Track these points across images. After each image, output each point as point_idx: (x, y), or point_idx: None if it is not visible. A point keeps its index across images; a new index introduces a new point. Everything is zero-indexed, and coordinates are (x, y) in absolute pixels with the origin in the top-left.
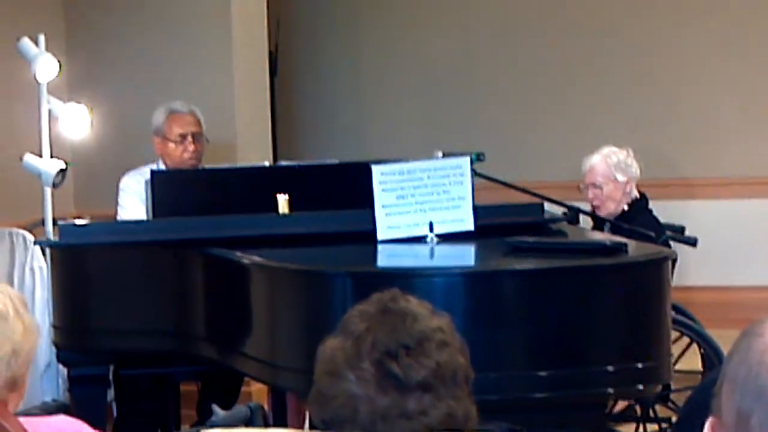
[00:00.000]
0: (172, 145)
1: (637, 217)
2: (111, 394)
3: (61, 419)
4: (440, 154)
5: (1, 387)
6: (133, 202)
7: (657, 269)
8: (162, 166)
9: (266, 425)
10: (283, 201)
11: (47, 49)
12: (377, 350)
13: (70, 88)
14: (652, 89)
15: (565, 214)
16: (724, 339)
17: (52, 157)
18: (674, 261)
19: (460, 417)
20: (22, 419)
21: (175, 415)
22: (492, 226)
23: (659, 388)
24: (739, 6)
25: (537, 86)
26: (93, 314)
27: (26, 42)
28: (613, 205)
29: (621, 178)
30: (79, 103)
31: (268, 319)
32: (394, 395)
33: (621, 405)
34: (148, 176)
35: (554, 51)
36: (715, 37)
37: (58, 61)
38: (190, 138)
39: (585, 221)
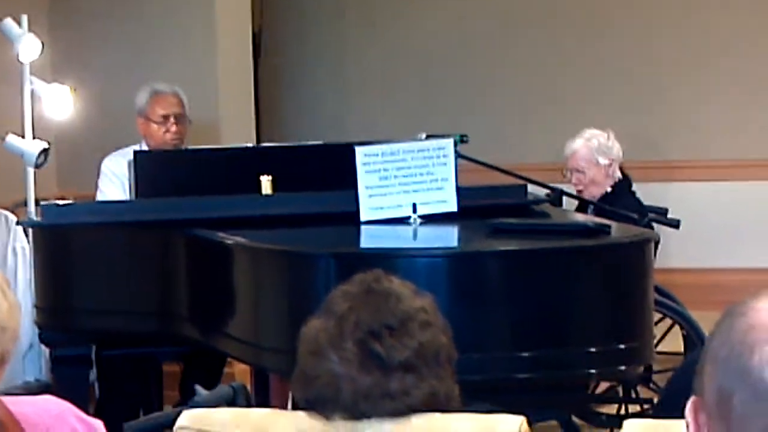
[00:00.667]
0: (154, 125)
1: (620, 199)
2: (93, 374)
3: (47, 399)
4: (424, 135)
5: None
6: (112, 187)
7: (639, 251)
8: (145, 147)
9: (249, 405)
10: (266, 182)
11: (30, 29)
12: (360, 330)
13: (53, 68)
14: (636, 72)
15: (548, 195)
16: (706, 320)
17: (34, 137)
18: (657, 243)
19: (442, 396)
20: (6, 398)
21: (158, 395)
22: (475, 207)
23: (641, 369)
24: None
25: (521, 68)
26: (75, 294)
27: (9, 22)
28: (596, 188)
29: (603, 161)
30: (63, 83)
31: (252, 299)
32: (377, 375)
33: (603, 386)
34: (131, 157)
35: (538, 34)
36: (698, 20)
37: (41, 42)
38: (172, 119)
39: (569, 203)
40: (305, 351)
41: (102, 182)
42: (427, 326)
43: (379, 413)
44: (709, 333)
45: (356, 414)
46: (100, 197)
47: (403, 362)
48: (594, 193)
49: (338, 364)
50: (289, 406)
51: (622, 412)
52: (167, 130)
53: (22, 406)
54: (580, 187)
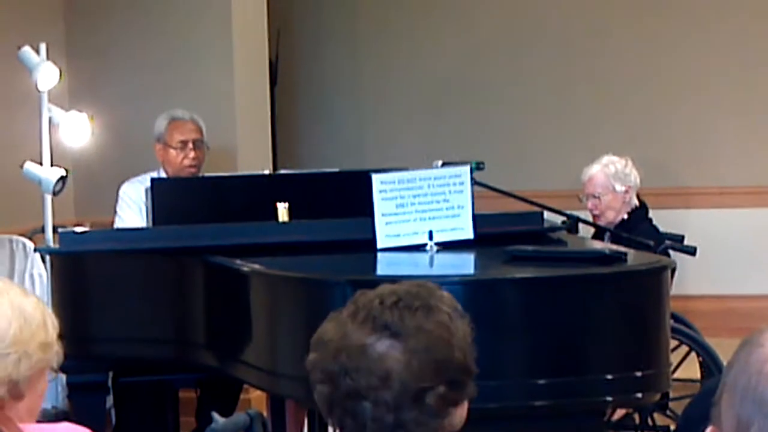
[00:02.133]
0: (173, 151)
1: (636, 226)
2: (110, 401)
3: (67, 426)
4: (440, 163)
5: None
6: (130, 213)
7: (656, 278)
8: (162, 174)
9: None
10: (283, 209)
11: (48, 57)
12: (378, 299)
13: (71, 96)
14: (652, 99)
15: (564, 222)
16: (722, 348)
17: (52, 164)
18: (673, 270)
19: (414, 377)
20: (26, 426)
21: (174, 422)
22: (491, 234)
23: (658, 396)
24: (738, 17)
25: (537, 95)
26: (92, 321)
27: (27, 50)
28: (613, 214)
29: (619, 188)
30: (80, 111)
31: (268, 326)
32: (362, 329)
33: (620, 413)
34: (148, 184)
35: (554, 61)
36: (714, 47)
37: (59, 70)
38: (190, 145)
39: (585, 230)
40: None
41: (120, 208)
42: (443, 327)
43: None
44: (726, 363)
45: (324, 368)
46: (118, 222)
47: (389, 325)
48: (609, 219)
49: (338, 315)
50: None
51: None
52: (185, 156)
53: None
54: (596, 212)
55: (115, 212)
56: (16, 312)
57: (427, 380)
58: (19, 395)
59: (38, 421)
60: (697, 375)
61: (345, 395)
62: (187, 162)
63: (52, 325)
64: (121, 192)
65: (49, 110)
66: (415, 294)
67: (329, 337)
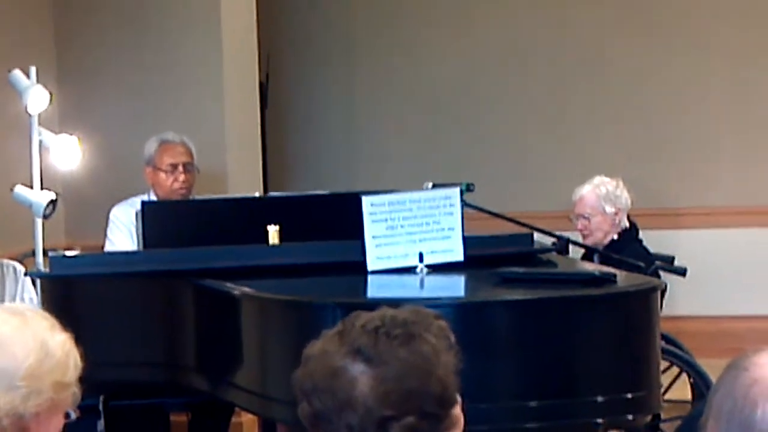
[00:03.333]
0: (162, 174)
1: (626, 247)
2: (101, 425)
3: None
4: (430, 184)
5: (3, 414)
6: (120, 236)
7: (646, 299)
8: (153, 197)
9: None
10: (273, 232)
11: (38, 81)
12: (360, 324)
13: (60, 119)
14: (642, 120)
15: (554, 244)
16: (713, 368)
17: (42, 188)
18: (663, 291)
19: (375, 404)
20: None
21: None
22: (482, 256)
23: (649, 418)
24: (731, 39)
25: (527, 117)
26: (83, 345)
27: (17, 74)
28: (602, 235)
29: (609, 209)
30: (70, 134)
31: (258, 349)
32: (341, 352)
33: None
34: (139, 207)
35: (546, 82)
36: (705, 68)
37: (49, 93)
38: (180, 168)
39: (575, 251)
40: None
41: (110, 231)
42: (420, 356)
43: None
44: (712, 386)
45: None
46: (108, 246)
47: (360, 349)
48: (598, 240)
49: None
50: None
51: None
52: (175, 179)
53: None
54: (586, 233)
55: (105, 235)
56: (37, 345)
57: (394, 409)
58: (24, 429)
59: None
60: (688, 396)
61: (315, 414)
62: (176, 185)
63: (74, 365)
64: (111, 215)
65: (40, 133)
66: (402, 321)
67: (311, 355)
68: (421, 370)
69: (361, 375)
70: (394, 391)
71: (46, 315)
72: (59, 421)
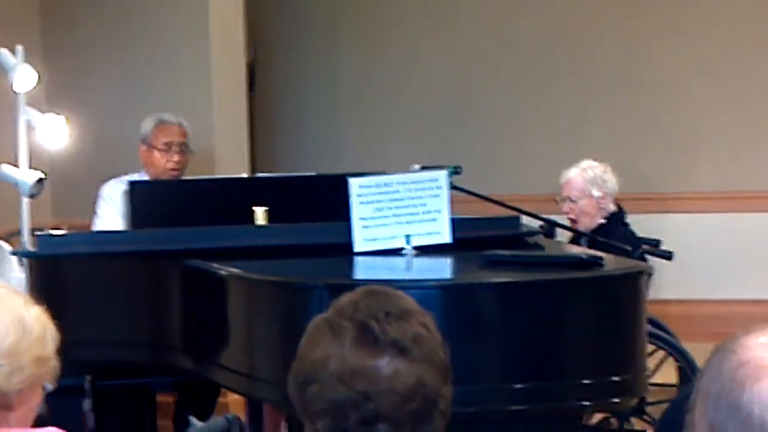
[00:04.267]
0: (157, 153)
1: (613, 231)
2: (88, 404)
3: (52, 430)
4: (417, 167)
5: None
6: (109, 212)
7: (633, 283)
8: (144, 176)
9: None
10: (260, 213)
11: (25, 59)
12: (360, 313)
13: (47, 98)
14: (630, 104)
15: (541, 227)
16: (699, 352)
17: (29, 167)
18: (650, 274)
19: (430, 386)
20: (12, 431)
21: (152, 425)
22: (468, 239)
23: (635, 401)
24: (718, 23)
25: (514, 100)
26: (70, 325)
27: (4, 53)
28: (588, 219)
29: (596, 193)
30: (57, 113)
31: (245, 330)
32: (367, 352)
33: (597, 417)
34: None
35: (534, 65)
36: (694, 53)
37: (36, 72)
38: (175, 147)
39: (562, 234)
40: (304, 340)
41: (100, 207)
42: (425, 328)
43: (357, 395)
44: (700, 369)
45: (334, 399)
46: (97, 222)
47: (395, 341)
48: (584, 224)
49: (331, 342)
50: None
51: None
52: (169, 159)
53: None
54: (572, 216)
55: (94, 212)
56: (15, 323)
57: (440, 387)
58: (9, 406)
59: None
60: (674, 379)
61: (359, 422)
62: (170, 165)
63: (51, 338)
64: (102, 191)
65: (26, 113)
66: (393, 299)
67: (332, 367)
68: (436, 341)
69: (403, 366)
70: (434, 369)
71: (18, 291)
72: (39, 395)
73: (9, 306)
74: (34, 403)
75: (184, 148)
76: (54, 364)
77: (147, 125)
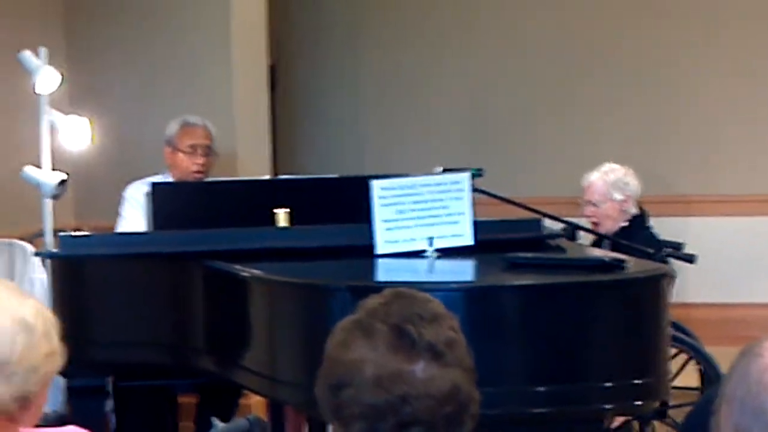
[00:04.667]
0: (181, 155)
1: (636, 234)
2: (109, 404)
3: (74, 429)
4: (440, 169)
5: (10, 400)
6: (134, 213)
7: (655, 286)
8: (169, 177)
9: None
10: (282, 214)
11: (48, 61)
12: (392, 317)
13: (70, 100)
14: (653, 107)
15: (563, 230)
16: (722, 356)
17: (52, 168)
18: (673, 277)
19: (464, 391)
20: (35, 431)
21: (173, 427)
22: (491, 241)
23: (657, 404)
24: (740, 25)
25: (537, 102)
26: (92, 326)
27: (27, 54)
28: (610, 222)
29: (618, 197)
30: (80, 115)
31: (267, 332)
32: (403, 356)
33: (618, 421)
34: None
35: (555, 67)
36: (715, 55)
37: (60, 74)
38: (200, 150)
39: (584, 237)
40: (335, 342)
41: (124, 208)
42: (454, 332)
43: (395, 399)
44: (726, 371)
45: (372, 403)
46: (121, 223)
47: (431, 344)
48: (606, 227)
49: (365, 346)
50: None
51: None
52: (194, 161)
53: None
54: (594, 219)
55: (119, 214)
56: (17, 326)
57: (472, 391)
58: (29, 406)
59: (41, 426)
60: (697, 383)
61: (395, 425)
62: (194, 167)
63: (54, 328)
64: (126, 193)
65: (49, 114)
66: (422, 303)
67: (368, 371)
68: (463, 343)
69: (439, 369)
70: (465, 373)
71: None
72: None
73: (7, 308)
74: (46, 394)
75: (209, 151)
76: (61, 353)
77: (172, 127)
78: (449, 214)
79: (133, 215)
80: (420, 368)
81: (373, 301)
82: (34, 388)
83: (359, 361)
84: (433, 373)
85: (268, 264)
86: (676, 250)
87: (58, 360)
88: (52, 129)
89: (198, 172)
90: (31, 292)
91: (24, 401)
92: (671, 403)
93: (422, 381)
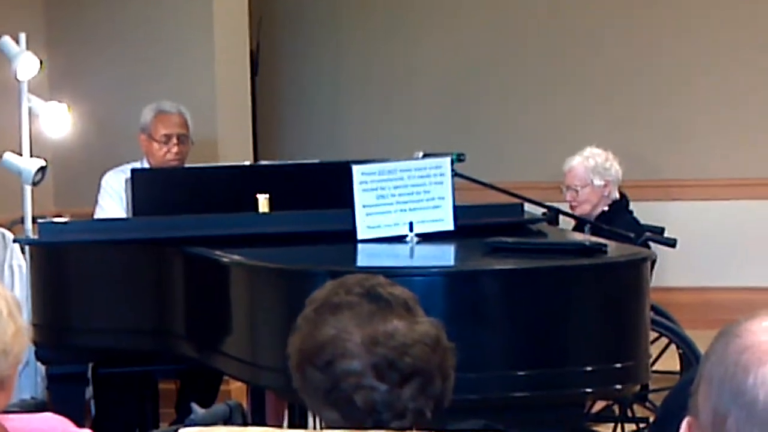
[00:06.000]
0: (156, 144)
1: (616, 218)
2: (89, 392)
3: (50, 417)
4: (420, 154)
5: None
6: (111, 203)
7: (636, 270)
8: (146, 164)
9: (245, 423)
10: (263, 200)
11: (28, 47)
12: (356, 288)
13: (50, 86)
14: (634, 91)
15: (544, 214)
16: (702, 340)
17: (32, 155)
18: (653, 262)
19: (444, 340)
20: (10, 416)
21: (154, 413)
22: (472, 226)
23: (637, 388)
24: (721, 11)
25: (519, 86)
26: (72, 312)
27: (7, 40)
28: (589, 207)
29: (598, 182)
30: (60, 101)
31: (248, 318)
32: (384, 315)
33: (599, 405)
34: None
35: (536, 52)
36: (696, 40)
37: (39, 60)
38: (175, 139)
39: (566, 222)
40: (303, 333)
41: (101, 197)
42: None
43: (392, 352)
44: (704, 354)
45: (372, 362)
46: (99, 212)
47: (405, 301)
48: (587, 212)
49: (341, 320)
50: (285, 423)
51: (619, 431)
52: (168, 150)
53: (29, 422)
54: (574, 204)
55: (96, 202)
56: None
57: (446, 340)
58: (2, 388)
59: (15, 412)
60: (677, 367)
61: (398, 382)
62: (169, 156)
63: (16, 306)
64: (103, 181)
65: (29, 100)
66: (374, 276)
67: (355, 338)
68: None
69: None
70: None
71: None
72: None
73: None
74: (15, 379)
75: (183, 139)
76: (26, 329)
77: (146, 115)
78: (430, 199)
79: (111, 204)
80: (402, 324)
81: (320, 290)
82: (6, 371)
83: (342, 331)
84: (414, 324)
85: (249, 250)
86: (657, 234)
87: (25, 337)
88: (32, 115)
89: (174, 161)
90: (10, 279)
91: (0, 384)
92: (651, 387)
93: (410, 331)
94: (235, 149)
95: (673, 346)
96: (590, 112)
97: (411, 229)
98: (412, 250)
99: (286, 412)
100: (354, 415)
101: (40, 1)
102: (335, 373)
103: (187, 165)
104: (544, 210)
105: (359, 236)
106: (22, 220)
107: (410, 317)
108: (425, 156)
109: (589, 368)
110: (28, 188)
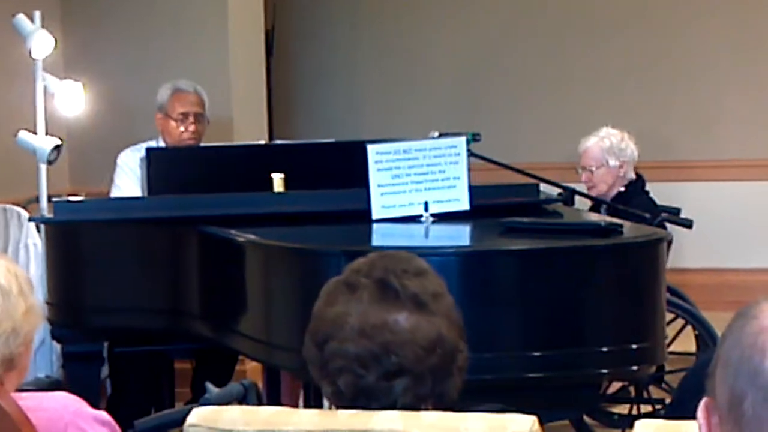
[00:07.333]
0: (173, 123)
1: (633, 199)
2: (105, 371)
3: (64, 395)
4: (436, 134)
5: None
6: (127, 181)
7: (652, 251)
8: (162, 143)
9: (260, 403)
10: (278, 179)
11: (43, 25)
12: (377, 271)
13: (65, 65)
14: (651, 71)
15: (560, 194)
16: (718, 321)
17: (47, 133)
18: (669, 243)
19: (449, 341)
20: (24, 395)
21: (169, 392)
22: (487, 206)
23: (653, 369)
24: None
25: (533, 67)
26: (87, 291)
27: (22, 18)
28: (605, 187)
29: (613, 162)
30: (75, 80)
31: (263, 297)
32: (387, 306)
33: (615, 386)
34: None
35: (552, 33)
36: (714, 19)
37: (54, 38)
38: (191, 118)
39: (582, 202)
40: (320, 303)
41: (117, 176)
42: (441, 287)
43: (378, 348)
44: (720, 335)
45: (356, 353)
46: (115, 191)
47: (415, 295)
48: (602, 192)
49: (350, 301)
50: (300, 403)
51: (634, 412)
52: (185, 129)
53: (41, 401)
54: (590, 185)
55: (112, 180)
56: None
57: (458, 342)
58: (13, 367)
59: (29, 390)
60: (693, 348)
61: (381, 377)
62: (186, 135)
63: (26, 283)
64: (119, 160)
65: (44, 79)
66: (406, 260)
67: (351, 322)
68: (450, 299)
69: (422, 320)
70: (452, 324)
71: None
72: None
73: None
74: (31, 353)
75: (200, 118)
76: (39, 307)
77: (163, 94)
78: (445, 179)
79: (126, 183)
80: (403, 317)
81: (358, 261)
82: (17, 350)
83: (343, 314)
84: (417, 321)
85: (264, 229)
86: (673, 215)
87: (37, 316)
88: (47, 94)
89: (190, 139)
90: (26, 257)
91: (9, 364)
92: (668, 368)
93: (406, 329)
94: (250, 129)
95: (689, 327)
96: (607, 92)
97: (426, 209)
98: (427, 230)
99: (301, 393)
100: (340, 397)
101: None
102: (326, 351)
103: (202, 144)
104: (559, 190)
105: (374, 216)
106: (37, 199)
107: (417, 313)
108: (441, 136)
109: (604, 349)
110: (43, 167)
